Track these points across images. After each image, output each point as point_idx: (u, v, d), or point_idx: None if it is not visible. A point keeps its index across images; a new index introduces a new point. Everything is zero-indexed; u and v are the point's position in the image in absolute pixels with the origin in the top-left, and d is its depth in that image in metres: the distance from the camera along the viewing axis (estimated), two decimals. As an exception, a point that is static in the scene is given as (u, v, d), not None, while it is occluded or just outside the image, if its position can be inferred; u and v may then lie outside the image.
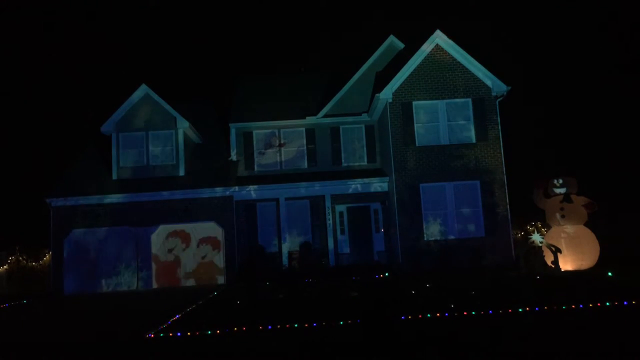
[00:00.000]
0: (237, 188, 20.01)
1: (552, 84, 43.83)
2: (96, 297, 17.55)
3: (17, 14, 51.13)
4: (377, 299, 11.41)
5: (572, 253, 15.69)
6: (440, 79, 19.13)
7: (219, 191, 19.82)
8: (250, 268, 19.60)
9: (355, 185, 20.34)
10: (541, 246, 15.83)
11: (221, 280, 19.38)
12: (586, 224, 16.25)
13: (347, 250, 20.70)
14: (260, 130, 21.75)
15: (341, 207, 20.90)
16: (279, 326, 8.99)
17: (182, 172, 20.46)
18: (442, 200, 18.67)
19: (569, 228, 16.02)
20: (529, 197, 17.30)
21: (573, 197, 16.23)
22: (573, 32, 47.42)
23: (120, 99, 20.74)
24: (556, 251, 15.38)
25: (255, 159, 21.67)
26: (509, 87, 19.02)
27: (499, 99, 19.14)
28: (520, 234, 22.00)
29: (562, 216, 16.09)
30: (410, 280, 15.22)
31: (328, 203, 20.28)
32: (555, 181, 16.51)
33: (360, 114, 21.52)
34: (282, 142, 21.77)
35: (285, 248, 20.09)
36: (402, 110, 18.99)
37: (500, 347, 6.96)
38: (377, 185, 20.31)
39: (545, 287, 12.34)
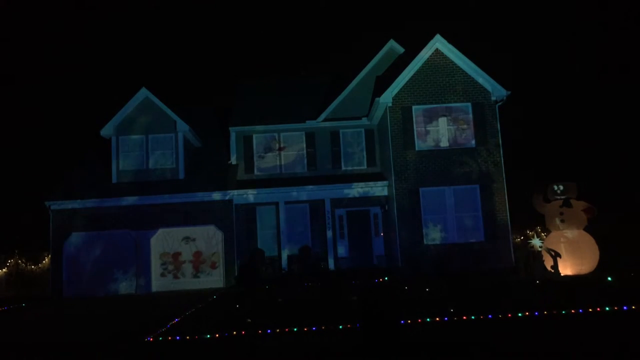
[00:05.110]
0: (236, 192, 20.00)
1: (552, 88, 43.90)
2: (95, 300, 17.52)
3: (18, 16, 51.23)
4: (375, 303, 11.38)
5: (571, 258, 15.67)
6: (440, 83, 19.15)
7: (218, 195, 19.80)
8: (250, 272, 19.53)
9: (355, 190, 20.35)
10: (541, 251, 15.82)
11: (220, 283, 19.35)
12: (586, 229, 16.23)
13: (346, 254, 20.67)
14: (260, 134, 21.76)
15: (341, 211, 20.89)
16: (278, 330, 8.98)
17: (182, 176, 20.46)
18: (442, 205, 18.66)
19: (569, 233, 16.01)
20: (529, 201, 17.30)
21: (573, 201, 16.22)
22: (573, 35, 47.51)
23: (120, 102, 20.77)
24: (556, 256, 15.37)
25: (255, 163, 21.68)
26: (509, 92, 19.04)
27: (498, 104, 19.16)
28: (520, 238, 21.99)
29: (562, 221, 16.07)
30: (410, 285, 15.20)
31: (328, 207, 20.28)
32: (556, 188, 16.49)
33: (360, 118, 21.53)
34: (281, 145, 21.78)
35: (285, 252, 20.06)
36: (402, 114, 19.00)
37: (499, 351, 6.95)
38: (377, 189, 20.33)
39: (545, 292, 12.33)
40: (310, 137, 21.74)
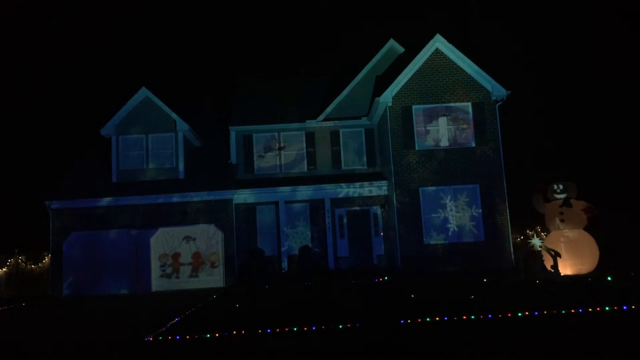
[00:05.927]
0: (236, 191, 20.02)
1: (552, 88, 43.87)
2: (95, 300, 17.51)
3: (17, 15, 51.19)
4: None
5: (571, 257, 15.66)
6: (440, 83, 19.16)
7: (218, 194, 19.81)
8: (250, 271, 19.59)
9: (355, 189, 20.36)
10: (540, 250, 15.81)
11: (220, 283, 19.36)
12: (586, 228, 16.23)
13: (346, 253, 20.67)
14: (260, 133, 21.77)
15: (341, 211, 20.89)
16: (278, 330, 8.99)
17: (181, 175, 20.46)
18: (442, 205, 18.67)
19: (569, 232, 16.00)
20: (529, 201, 17.29)
21: (572, 201, 16.21)
22: (573, 34, 47.49)
23: (120, 101, 20.76)
24: (555, 255, 15.36)
25: (255, 162, 21.69)
26: (509, 92, 19.05)
27: (498, 103, 19.17)
28: (520, 238, 21.97)
29: (562, 220, 16.07)
30: (410, 284, 15.20)
31: (328, 206, 20.29)
32: (555, 187, 16.49)
33: (360, 118, 21.55)
34: (281, 145, 21.79)
35: (285, 251, 20.08)
36: (402, 114, 19.01)
37: (500, 351, 6.96)
38: (377, 189, 20.34)
39: (545, 292, 12.33)
40: (310, 137, 21.75)
